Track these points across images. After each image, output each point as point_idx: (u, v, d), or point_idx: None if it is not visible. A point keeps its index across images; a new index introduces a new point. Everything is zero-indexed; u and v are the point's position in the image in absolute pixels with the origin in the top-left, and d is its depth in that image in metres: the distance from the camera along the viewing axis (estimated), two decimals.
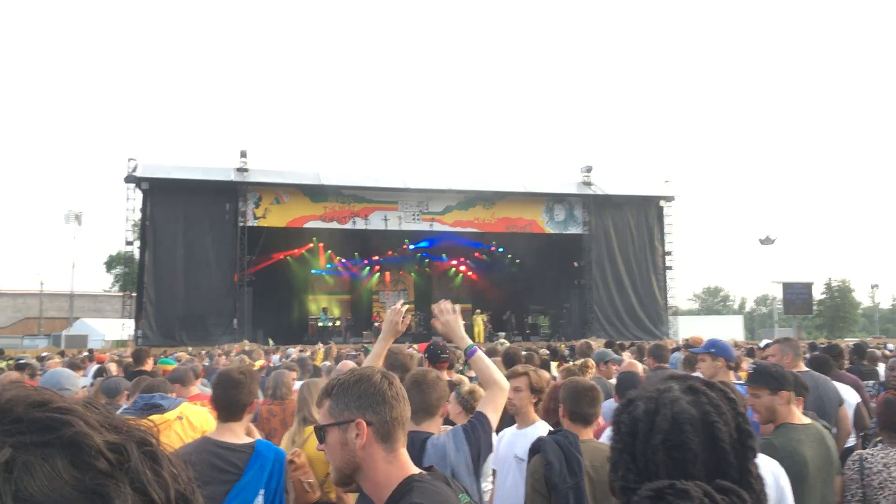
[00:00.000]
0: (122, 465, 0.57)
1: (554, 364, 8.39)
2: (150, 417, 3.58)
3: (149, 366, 7.19)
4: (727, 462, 1.05)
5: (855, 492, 3.29)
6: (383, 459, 1.79)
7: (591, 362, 5.85)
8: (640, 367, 5.74)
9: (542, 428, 3.65)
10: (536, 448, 3.17)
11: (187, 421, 3.74)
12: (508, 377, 3.69)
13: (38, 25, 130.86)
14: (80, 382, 4.22)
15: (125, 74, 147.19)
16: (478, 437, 2.82)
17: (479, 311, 29.52)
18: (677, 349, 10.44)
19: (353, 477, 1.82)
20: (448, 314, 3.02)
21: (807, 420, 3.45)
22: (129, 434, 0.61)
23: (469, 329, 28.27)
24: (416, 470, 1.84)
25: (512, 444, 3.65)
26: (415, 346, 17.81)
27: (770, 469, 2.72)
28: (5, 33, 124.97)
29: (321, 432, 1.84)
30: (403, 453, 1.85)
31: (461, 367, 7.33)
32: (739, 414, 1.11)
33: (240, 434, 3.00)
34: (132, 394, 4.79)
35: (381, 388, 1.84)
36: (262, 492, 2.86)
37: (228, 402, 2.99)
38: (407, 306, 3.05)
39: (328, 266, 31.73)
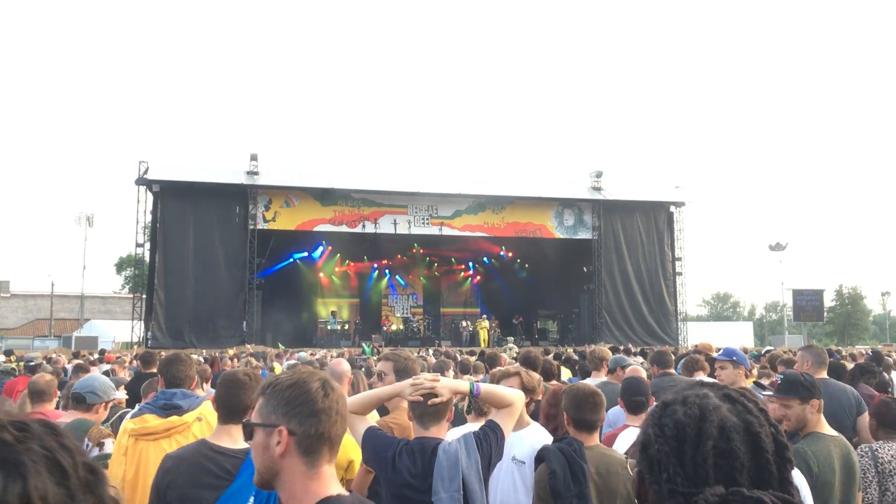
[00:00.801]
0: (28, 438, 0.62)
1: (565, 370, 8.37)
2: (169, 419, 3.56)
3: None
4: (769, 472, 1.06)
5: (875, 475, 3.48)
6: (302, 473, 1.67)
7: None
8: (643, 373, 5.71)
9: (536, 430, 3.62)
10: (541, 457, 3.16)
11: (206, 422, 3.69)
12: (500, 378, 3.65)
13: (51, 29, 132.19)
14: (111, 391, 4.21)
15: (137, 78, 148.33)
16: (489, 445, 2.80)
17: (483, 316, 29.55)
18: (685, 355, 10.37)
19: (272, 483, 1.71)
20: (433, 384, 2.83)
21: (835, 432, 3.45)
22: (28, 416, 0.66)
23: (475, 335, 28.33)
24: (336, 491, 1.70)
25: (508, 447, 3.63)
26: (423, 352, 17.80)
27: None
28: (17, 37, 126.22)
29: (249, 430, 1.74)
30: (327, 471, 1.71)
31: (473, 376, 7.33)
32: (773, 424, 1.11)
33: (237, 438, 2.93)
34: (146, 394, 4.80)
35: (313, 399, 1.69)
36: (252, 499, 2.83)
37: (231, 403, 2.94)
38: (436, 384, 2.85)
39: (337, 269, 31.81)
